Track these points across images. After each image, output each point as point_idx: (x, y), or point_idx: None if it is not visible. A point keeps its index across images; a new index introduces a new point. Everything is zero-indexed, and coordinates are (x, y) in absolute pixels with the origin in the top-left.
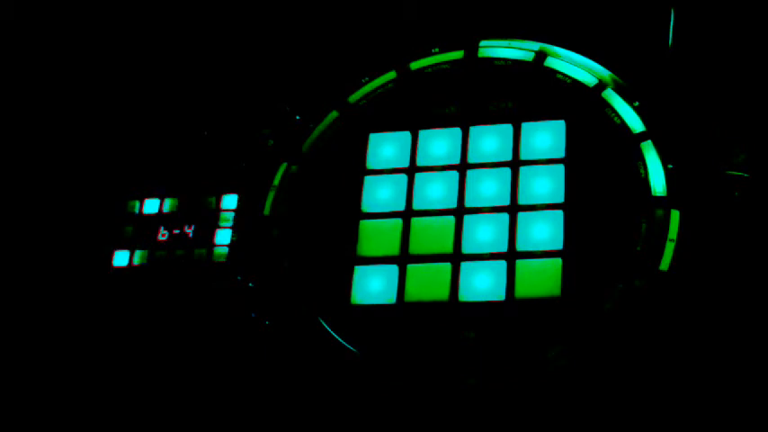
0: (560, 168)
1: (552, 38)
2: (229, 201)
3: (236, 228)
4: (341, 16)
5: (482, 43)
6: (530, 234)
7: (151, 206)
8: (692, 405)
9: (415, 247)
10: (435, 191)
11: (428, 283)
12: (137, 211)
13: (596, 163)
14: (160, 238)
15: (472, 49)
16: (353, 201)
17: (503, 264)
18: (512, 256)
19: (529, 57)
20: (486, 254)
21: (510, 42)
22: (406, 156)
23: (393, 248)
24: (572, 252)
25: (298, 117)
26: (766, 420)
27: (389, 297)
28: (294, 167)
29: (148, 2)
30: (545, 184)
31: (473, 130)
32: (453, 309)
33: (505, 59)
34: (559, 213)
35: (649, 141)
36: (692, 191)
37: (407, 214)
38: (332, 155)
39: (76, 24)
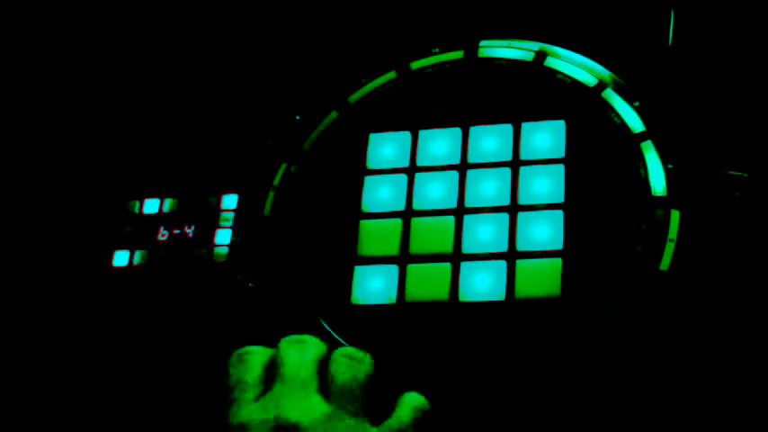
0: (560, 168)
1: (552, 38)
2: (229, 201)
3: (236, 228)
4: (341, 16)
5: (482, 43)
6: (530, 234)
7: (151, 206)
8: (692, 405)
9: (415, 247)
10: (435, 191)
11: (428, 283)
12: (137, 211)
13: (596, 163)
14: (160, 238)
15: (472, 49)
16: (353, 201)
17: (503, 264)
18: (512, 256)
19: (529, 57)
20: (486, 254)
21: (510, 42)
22: (406, 156)
23: (393, 248)
24: (572, 252)
25: (298, 117)
26: (766, 420)
27: (389, 297)
28: (294, 167)
29: (148, 2)
30: (545, 184)
31: (473, 130)
32: (453, 309)
33: (505, 59)
34: (559, 213)
35: (649, 141)
36: (692, 191)
37: (407, 214)
38: (332, 155)
39: (76, 24)
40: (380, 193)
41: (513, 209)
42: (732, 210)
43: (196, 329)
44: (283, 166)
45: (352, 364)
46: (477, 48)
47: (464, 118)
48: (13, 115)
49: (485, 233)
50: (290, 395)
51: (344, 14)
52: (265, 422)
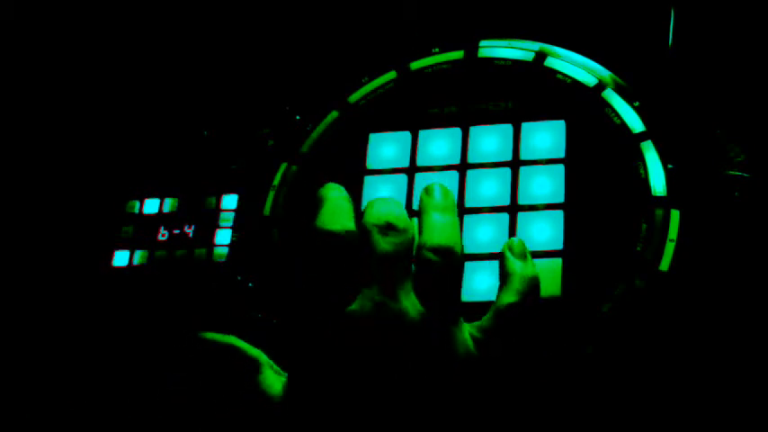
0: (560, 168)
1: (552, 38)
2: (229, 201)
3: (236, 228)
4: (341, 16)
5: (482, 43)
6: (530, 234)
7: (151, 206)
8: (691, 405)
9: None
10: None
11: None
12: (137, 211)
13: (596, 163)
14: (160, 238)
15: (472, 49)
16: (354, 201)
17: None
18: None
19: (529, 57)
20: (487, 254)
21: (510, 42)
22: (406, 156)
23: None
24: (572, 252)
25: (298, 117)
26: (766, 420)
27: None
28: (294, 167)
29: (148, 2)
30: (545, 184)
31: (473, 130)
32: None
33: (505, 59)
34: (559, 213)
35: (649, 141)
36: (692, 191)
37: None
38: (332, 155)
39: (76, 24)
40: (380, 193)
41: (513, 209)
42: (732, 210)
43: (196, 329)
44: (283, 166)
45: None
46: (477, 48)
47: (464, 118)
48: (13, 115)
49: (485, 233)
50: None
51: (344, 14)
52: None
